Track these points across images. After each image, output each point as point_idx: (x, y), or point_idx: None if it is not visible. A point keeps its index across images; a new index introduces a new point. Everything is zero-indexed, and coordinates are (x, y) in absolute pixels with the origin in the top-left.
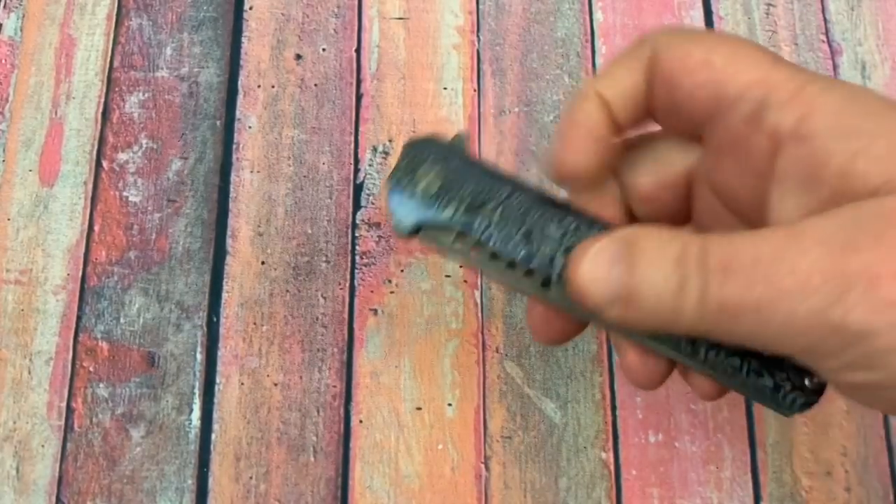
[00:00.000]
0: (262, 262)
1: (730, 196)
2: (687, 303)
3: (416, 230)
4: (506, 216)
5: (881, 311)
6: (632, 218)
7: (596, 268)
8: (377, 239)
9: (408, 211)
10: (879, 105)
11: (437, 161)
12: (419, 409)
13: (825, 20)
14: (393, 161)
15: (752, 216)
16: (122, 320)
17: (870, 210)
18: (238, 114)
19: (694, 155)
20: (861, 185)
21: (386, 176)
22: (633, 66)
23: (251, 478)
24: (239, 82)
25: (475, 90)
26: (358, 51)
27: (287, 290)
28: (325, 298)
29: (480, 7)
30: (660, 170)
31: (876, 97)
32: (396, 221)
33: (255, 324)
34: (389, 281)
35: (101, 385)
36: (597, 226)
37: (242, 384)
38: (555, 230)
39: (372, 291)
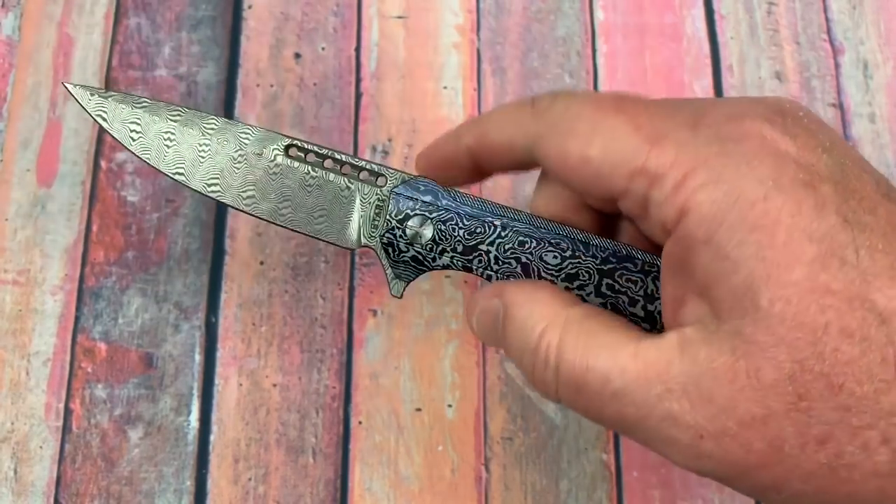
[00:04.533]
0: (261, 263)
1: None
2: (548, 391)
3: (412, 280)
4: (502, 252)
5: (701, 461)
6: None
7: (483, 325)
8: None
9: (405, 266)
10: (753, 222)
11: (425, 207)
12: (419, 410)
13: (827, 19)
14: (392, 161)
15: None
16: (120, 321)
17: (707, 370)
18: (237, 113)
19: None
20: (714, 304)
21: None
22: (517, 129)
23: (250, 479)
24: (237, 81)
25: (475, 89)
26: (357, 50)
27: (286, 291)
28: (324, 299)
29: (480, 6)
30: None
31: (759, 206)
32: (396, 274)
33: (253, 324)
34: None
35: (100, 386)
36: (591, 250)
37: (241, 385)
38: (552, 259)
39: (371, 292)
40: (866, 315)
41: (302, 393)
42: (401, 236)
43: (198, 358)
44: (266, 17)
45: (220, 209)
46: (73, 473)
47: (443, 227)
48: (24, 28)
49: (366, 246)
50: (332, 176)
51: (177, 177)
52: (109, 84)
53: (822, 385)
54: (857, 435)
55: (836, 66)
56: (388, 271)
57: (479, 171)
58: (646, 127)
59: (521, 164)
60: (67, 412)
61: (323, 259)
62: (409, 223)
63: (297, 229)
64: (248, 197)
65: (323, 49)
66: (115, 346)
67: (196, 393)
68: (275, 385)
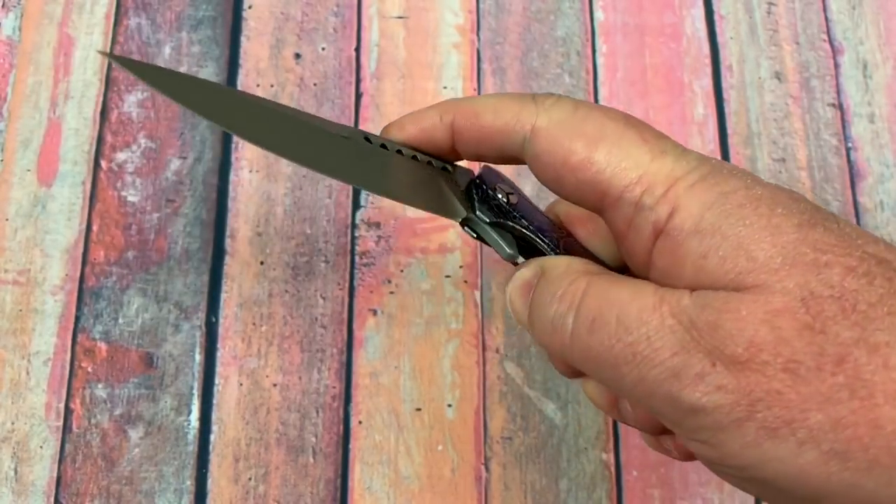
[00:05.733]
0: (261, 263)
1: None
2: (563, 341)
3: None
4: None
5: (710, 393)
6: None
7: (516, 295)
8: (376, 239)
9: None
10: (738, 202)
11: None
12: (419, 409)
13: (826, 19)
14: None
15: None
16: (120, 321)
17: (714, 301)
18: None
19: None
20: (709, 280)
21: None
22: (516, 117)
23: (250, 479)
24: (238, 81)
25: (475, 89)
26: (357, 50)
27: (286, 291)
28: (324, 299)
29: (480, 6)
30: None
31: (741, 192)
32: (502, 244)
33: (254, 324)
34: (389, 281)
35: (100, 386)
36: None
37: (241, 385)
38: None
39: (371, 292)
40: (864, 255)
41: (302, 392)
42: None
43: (198, 358)
44: (266, 17)
45: (221, 209)
46: (74, 473)
47: (528, 206)
48: (25, 28)
49: (466, 222)
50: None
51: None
52: (109, 84)
53: (836, 307)
54: (875, 352)
55: (836, 66)
56: (494, 236)
57: (453, 152)
58: (651, 142)
59: (507, 154)
60: (68, 412)
61: (323, 259)
62: (500, 186)
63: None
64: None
65: (323, 49)
66: (116, 346)
67: (196, 393)
68: (275, 385)
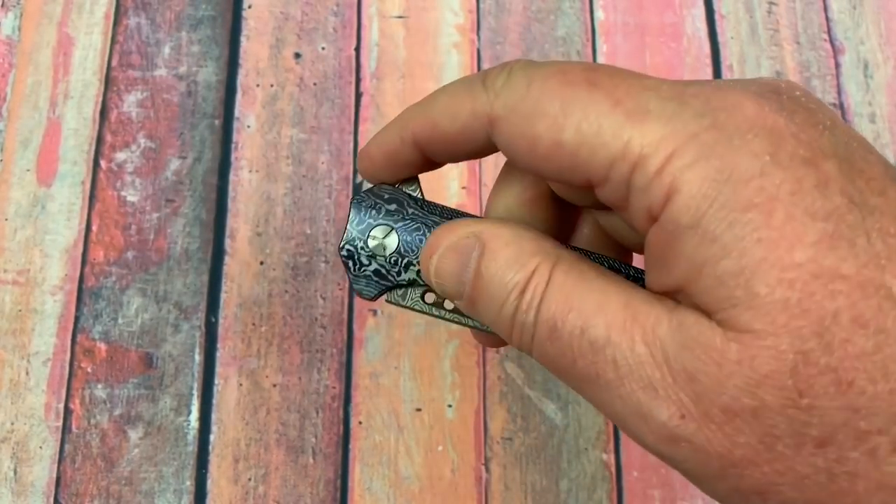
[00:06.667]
0: (261, 263)
1: (620, 237)
2: (523, 341)
3: (380, 294)
4: None
5: (676, 447)
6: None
7: (446, 263)
8: None
9: (367, 280)
10: (748, 199)
11: (389, 216)
12: (419, 410)
13: (827, 19)
14: None
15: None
16: (119, 321)
17: (697, 343)
18: (237, 113)
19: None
20: (701, 296)
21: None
22: (471, 115)
23: (250, 479)
24: (237, 81)
25: None
26: (357, 49)
27: (286, 291)
28: (324, 299)
29: (480, 5)
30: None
31: (754, 182)
32: (357, 290)
33: (253, 324)
34: None
35: (99, 386)
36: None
37: (241, 385)
38: None
39: None
40: (882, 303)
41: (302, 393)
42: (362, 248)
43: (198, 358)
44: (266, 16)
45: (221, 209)
46: (73, 473)
47: (409, 239)
48: (24, 28)
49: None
50: None
51: None
52: (109, 83)
53: (829, 380)
54: (864, 440)
55: (837, 65)
56: (352, 285)
57: (430, 163)
58: (626, 102)
59: (480, 152)
60: (67, 412)
61: (323, 259)
62: (372, 233)
63: None
64: None
65: (323, 49)
66: (115, 346)
67: (196, 393)
68: (275, 385)
